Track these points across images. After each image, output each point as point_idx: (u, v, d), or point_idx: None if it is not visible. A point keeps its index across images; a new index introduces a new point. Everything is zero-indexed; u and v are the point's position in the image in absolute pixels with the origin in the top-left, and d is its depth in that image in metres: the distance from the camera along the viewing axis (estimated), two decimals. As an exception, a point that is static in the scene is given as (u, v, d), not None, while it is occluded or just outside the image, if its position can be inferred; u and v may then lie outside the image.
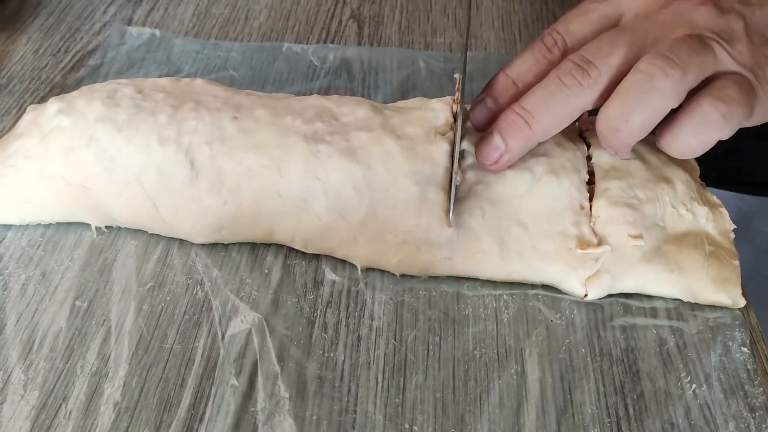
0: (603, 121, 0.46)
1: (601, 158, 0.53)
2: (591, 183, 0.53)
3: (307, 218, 0.50)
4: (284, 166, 0.51)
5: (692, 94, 0.45)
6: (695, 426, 0.43)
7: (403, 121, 0.53)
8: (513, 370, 0.46)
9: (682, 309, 0.50)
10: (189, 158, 0.51)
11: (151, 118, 0.52)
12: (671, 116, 0.46)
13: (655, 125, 0.46)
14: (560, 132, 0.54)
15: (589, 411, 0.44)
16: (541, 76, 0.49)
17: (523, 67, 0.51)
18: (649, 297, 0.51)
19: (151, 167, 0.51)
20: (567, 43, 0.51)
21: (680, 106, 0.45)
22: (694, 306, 0.50)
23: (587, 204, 0.51)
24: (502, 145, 0.49)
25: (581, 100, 0.46)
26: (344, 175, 0.50)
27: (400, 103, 0.58)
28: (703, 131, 0.44)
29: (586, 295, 0.50)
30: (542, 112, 0.47)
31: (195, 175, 0.51)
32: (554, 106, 0.47)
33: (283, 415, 0.43)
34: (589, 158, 0.54)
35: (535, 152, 0.52)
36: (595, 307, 0.50)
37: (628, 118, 0.45)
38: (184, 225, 0.52)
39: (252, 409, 0.43)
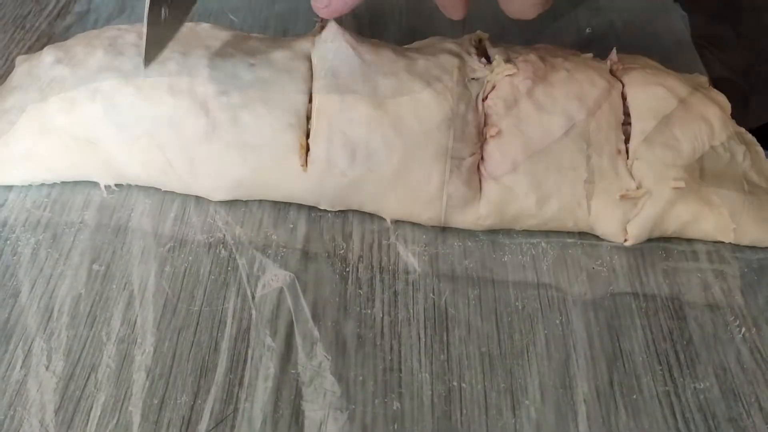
0: None
1: (637, 97, 0.51)
2: (626, 124, 0.50)
3: (332, 177, 0.47)
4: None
5: None
6: (747, 370, 0.42)
7: (429, 65, 0.50)
8: (558, 321, 0.44)
9: (723, 251, 0.49)
10: (204, 110, 0.48)
11: (159, 66, 0.48)
12: None
13: None
14: (593, 70, 0.51)
15: (639, 359, 0.43)
16: None
17: None
18: (690, 240, 0.49)
19: (163, 120, 0.48)
20: None
21: None
22: (735, 248, 0.49)
23: (623, 147, 0.49)
24: None
25: None
26: (372, 128, 0.47)
27: (418, 44, 0.54)
28: None
29: (626, 240, 0.49)
30: None
31: (211, 128, 0.47)
32: None
33: (325, 377, 0.41)
34: (624, 98, 0.51)
35: (568, 93, 0.49)
36: (635, 252, 0.49)
37: None
38: (202, 182, 0.49)
39: (293, 371, 0.41)
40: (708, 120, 0.51)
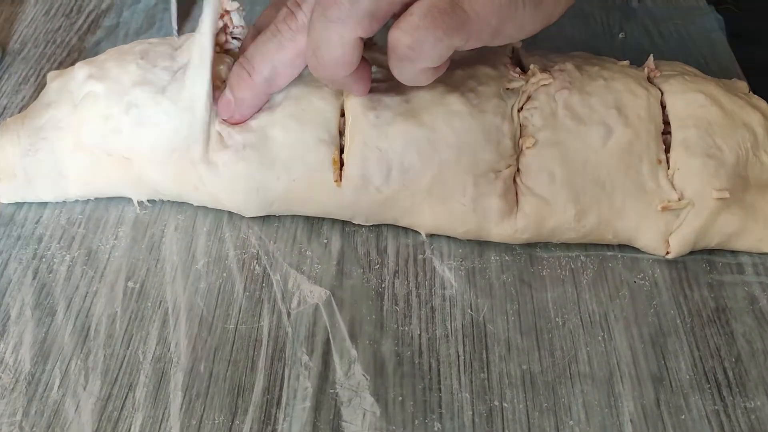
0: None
1: (676, 105, 0.49)
2: (666, 133, 0.49)
3: (367, 194, 0.47)
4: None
5: None
6: (800, 388, 0.41)
7: (463, 76, 0.49)
8: (600, 337, 0.43)
9: (770, 263, 0.47)
10: (237, 126, 0.47)
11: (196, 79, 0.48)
12: None
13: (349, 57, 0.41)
14: (631, 78, 0.50)
15: (687, 377, 0.41)
16: None
17: (268, 18, 0.48)
18: (734, 252, 0.48)
19: (197, 135, 0.47)
20: None
21: None
22: (782, 260, 0.48)
23: (664, 156, 0.48)
24: (231, 98, 0.46)
25: (294, 44, 0.44)
26: (407, 142, 0.46)
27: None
28: (401, 65, 0.41)
29: (668, 253, 0.47)
30: (260, 60, 0.45)
31: (242, 145, 0.47)
32: (269, 53, 0.45)
33: (365, 396, 0.40)
34: (663, 107, 0.50)
35: (606, 102, 0.48)
36: (678, 265, 0.47)
37: (312, 53, 0.41)
38: (234, 198, 0.48)
39: (331, 390, 0.41)
40: (751, 127, 0.49)
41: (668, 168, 0.48)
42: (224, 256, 0.48)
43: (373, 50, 0.50)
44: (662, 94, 0.50)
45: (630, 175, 0.47)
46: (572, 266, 0.47)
